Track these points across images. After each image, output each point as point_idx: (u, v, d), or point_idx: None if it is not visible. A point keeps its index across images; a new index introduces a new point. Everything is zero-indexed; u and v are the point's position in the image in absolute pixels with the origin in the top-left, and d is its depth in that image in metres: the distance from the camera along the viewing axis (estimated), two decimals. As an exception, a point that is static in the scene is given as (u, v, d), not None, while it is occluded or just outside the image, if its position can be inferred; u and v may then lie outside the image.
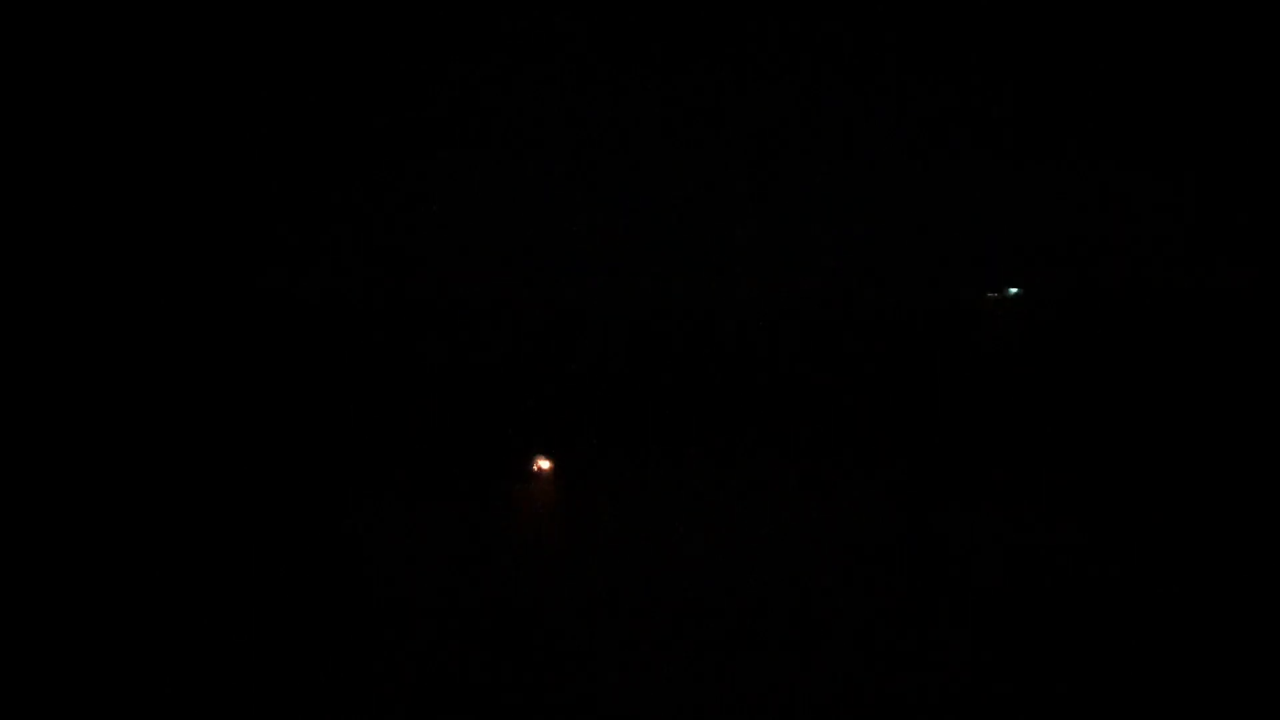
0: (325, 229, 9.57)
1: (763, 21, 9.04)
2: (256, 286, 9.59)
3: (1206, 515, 8.99)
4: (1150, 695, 8.09)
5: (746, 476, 9.28)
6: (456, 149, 9.36)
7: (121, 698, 8.18)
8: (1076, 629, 8.51)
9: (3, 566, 8.80)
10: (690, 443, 9.45)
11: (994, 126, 9.02)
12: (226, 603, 8.66)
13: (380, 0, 9.10)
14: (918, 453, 9.28)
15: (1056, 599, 8.66)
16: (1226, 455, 9.11)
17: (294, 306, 9.54)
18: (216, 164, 9.11)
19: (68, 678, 8.24)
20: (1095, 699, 8.12)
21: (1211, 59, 8.96)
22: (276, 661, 8.40)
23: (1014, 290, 9.47)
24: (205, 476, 9.44)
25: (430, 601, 8.80)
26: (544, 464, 9.31)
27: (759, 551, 8.95)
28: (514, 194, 9.40)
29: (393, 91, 9.27)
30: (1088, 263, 9.37)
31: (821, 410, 9.40)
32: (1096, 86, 8.95)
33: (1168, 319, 9.40)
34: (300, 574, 9.03)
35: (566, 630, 8.68)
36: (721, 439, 9.41)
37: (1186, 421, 9.20)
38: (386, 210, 9.58)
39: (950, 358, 9.44)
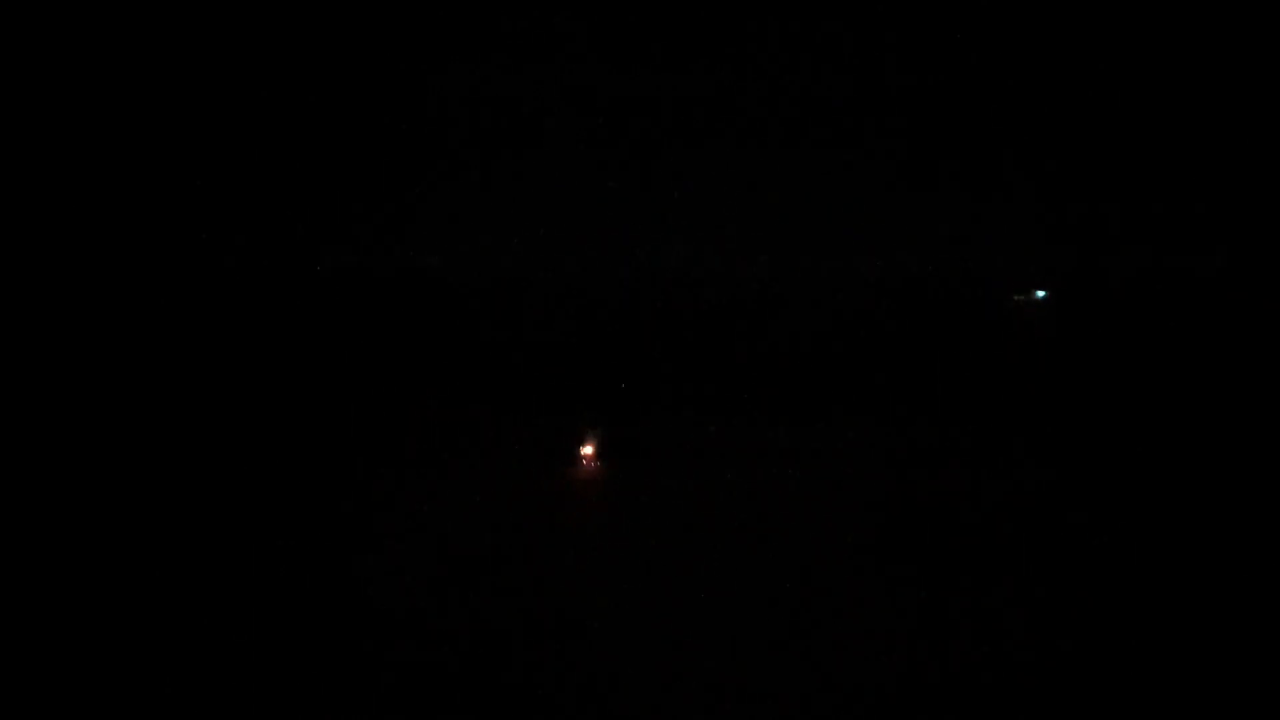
0: (364, 212, 9.41)
1: (805, 33, 8.45)
2: (298, 267, 9.49)
3: (1225, 508, 9.02)
4: (1155, 693, 8.28)
5: (780, 464, 9.26)
6: (492, 138, 9.13)
7: (121, 698, 8.03)
8: (1097, 631, 8.60)
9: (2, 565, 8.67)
10: (727, 434, 9.39)
11: (1022, 136, 8.62)
12: (245, 598, 8.56)
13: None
14: (944, 444, 9.23)
15: (1076, 592, 8.73)
16: (1247, 451, 9.11)
17: (330, 289, 9.47)
18: (265, 155, 9.05)
19: (67, 677, 8.12)
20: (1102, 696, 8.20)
21: (1222, 77, 8.56)
22: (290, 659, 8.30)
23: (1041, 293, 9.17)
24: (235, 464, 9.44)
25: (462, 585, 8.83)
26: (587, 449, 9.24)
27: (785, 545, 8.99)
28: (560, 180, 9.18)
29: (420, 87, 8.94)
30: (1113, 266, 9.11)
31: (849, 405, 9.29)
32: (1120, 99, 8.56)
33: (1190, 321, 9.25)
34: (322, 563, 9.06)
35: (606, 621, 8.74)
36: (758, 430, 9.34)
37: (1206, 419, 9.19)
38: (429, 193, 9.39)
39: (978, 357, 9.28)
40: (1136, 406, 9.37)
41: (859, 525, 8.94)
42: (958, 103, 8.55)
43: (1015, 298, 9.10)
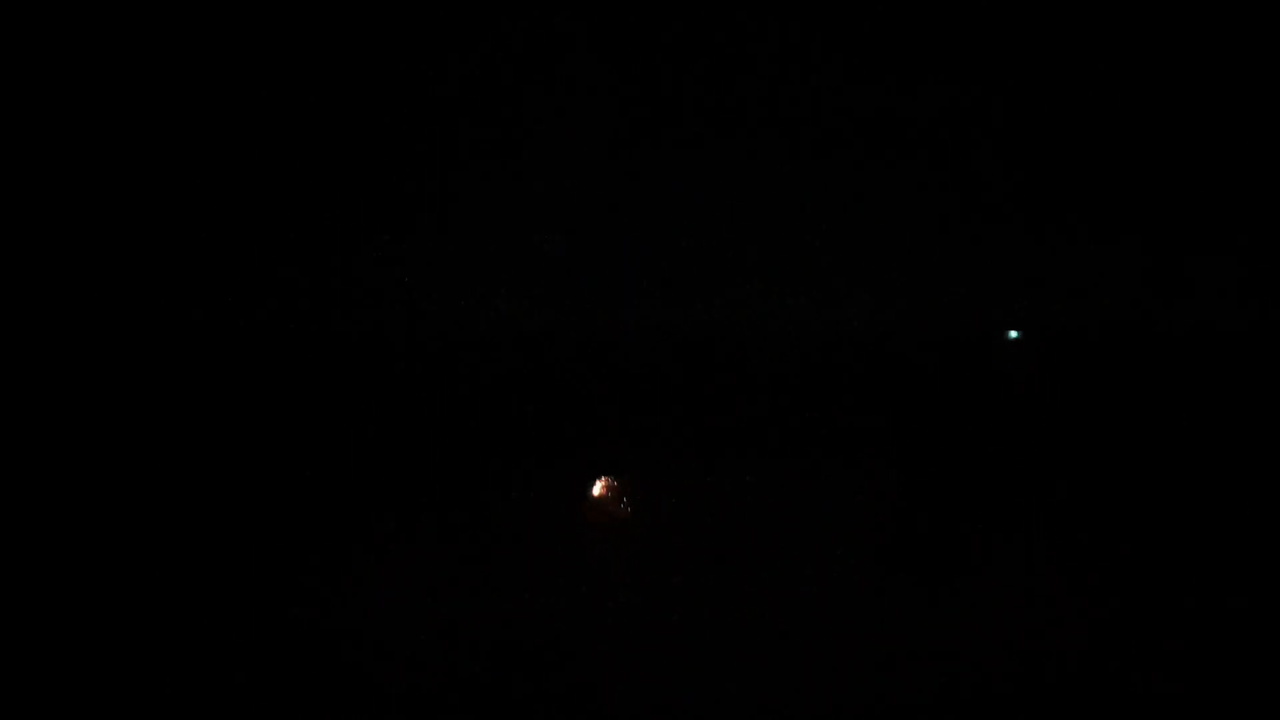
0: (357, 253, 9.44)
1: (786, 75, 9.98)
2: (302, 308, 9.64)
3: (1208, 547, 8.52)
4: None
5: (761, 501, 9.21)
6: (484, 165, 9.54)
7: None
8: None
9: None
10: (718, 474, 9.44)
11: (1005, 172, 9.40)
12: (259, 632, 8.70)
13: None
14: (925, 485, 9.06)
15: (1057, 638, 8.45)
16: (1231, 492, 8.67)
17: (326, 335, 9.88)
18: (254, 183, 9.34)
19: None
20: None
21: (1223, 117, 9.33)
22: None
23: (1014, 334, 9.47)
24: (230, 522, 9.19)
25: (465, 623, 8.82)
26: (596, 489, 9.44)
27: (779, 583, 8.94)
28: (561, 212, 9.77)
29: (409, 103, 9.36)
30: (1091, 305, 9.35)
31: (829, 443, 9.32)
32: (1104, 134, 9.34)
33: (1174, 361, 9.18)
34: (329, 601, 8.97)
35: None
36: (731, 465, 9.38)
37: (1189, 459, 8.79)
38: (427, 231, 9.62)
39: (956, 396, 9.33)
40: (1113, 453, 9.13)
41: (850, 559, 8.89)
42: (944, 145, 9.65)
43: (993, 334, 9.61)
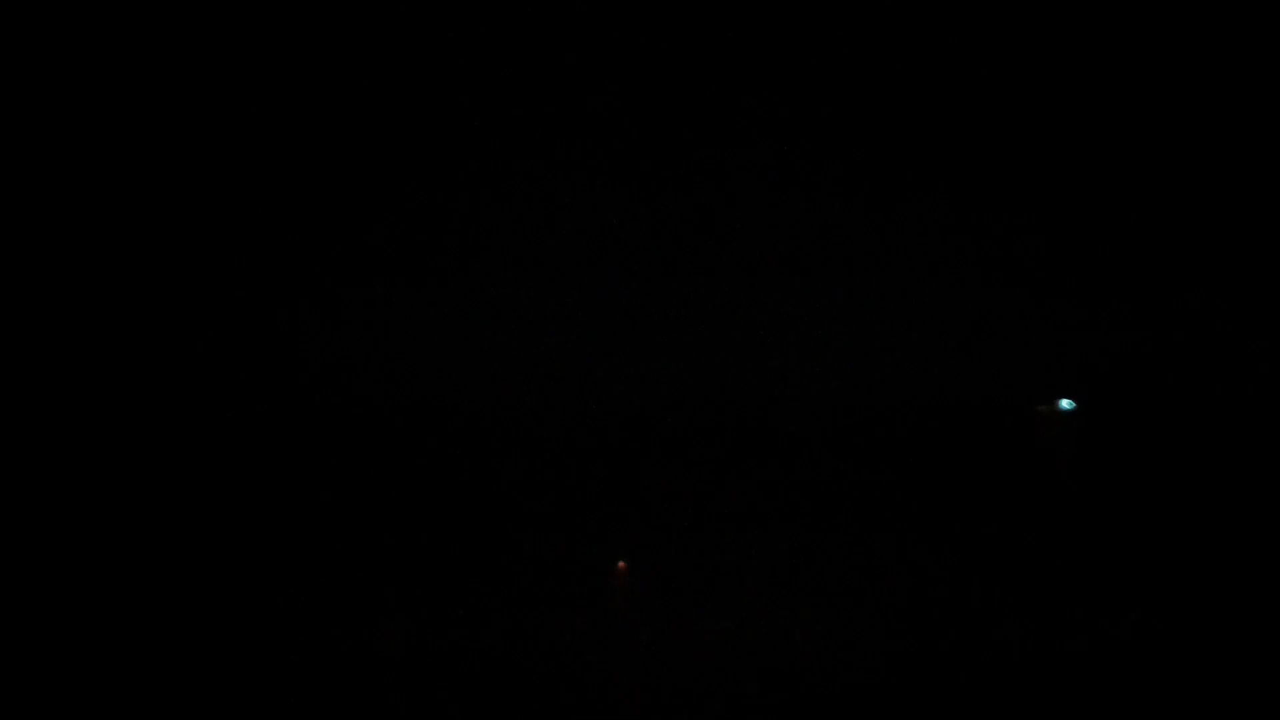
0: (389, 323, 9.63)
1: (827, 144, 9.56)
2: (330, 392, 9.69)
3: (1249, 609, 7.64)
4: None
5: (801, 571, 8.54)
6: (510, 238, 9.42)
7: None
8: None
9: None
10: (751, 547, 8.84)
11: (1047, 245, 8.78)
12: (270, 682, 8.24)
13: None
14: (967, 555, 8.24)
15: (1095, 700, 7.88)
16: (1270, 558, 7.84)
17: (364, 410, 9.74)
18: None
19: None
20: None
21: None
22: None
23: (1066, 403, 8.47)
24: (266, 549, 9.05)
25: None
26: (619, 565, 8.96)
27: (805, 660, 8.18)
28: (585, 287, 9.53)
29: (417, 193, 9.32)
30: (1139, 377, 8.52)
31: (873, 514, 8.58)
32: (1143, 204, 8.77)
33: (1213, 432, 8.45)
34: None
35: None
36: (782, 541, 8.71)
37: (1231, 527, 8.00)
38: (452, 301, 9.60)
39: (1004, 468, 8.54)
40: (1164, 527, 8.25)
41: (875, 634, 8.08)
42: (977, 189, 9.00)
43: (1038, 408, 8.69)
